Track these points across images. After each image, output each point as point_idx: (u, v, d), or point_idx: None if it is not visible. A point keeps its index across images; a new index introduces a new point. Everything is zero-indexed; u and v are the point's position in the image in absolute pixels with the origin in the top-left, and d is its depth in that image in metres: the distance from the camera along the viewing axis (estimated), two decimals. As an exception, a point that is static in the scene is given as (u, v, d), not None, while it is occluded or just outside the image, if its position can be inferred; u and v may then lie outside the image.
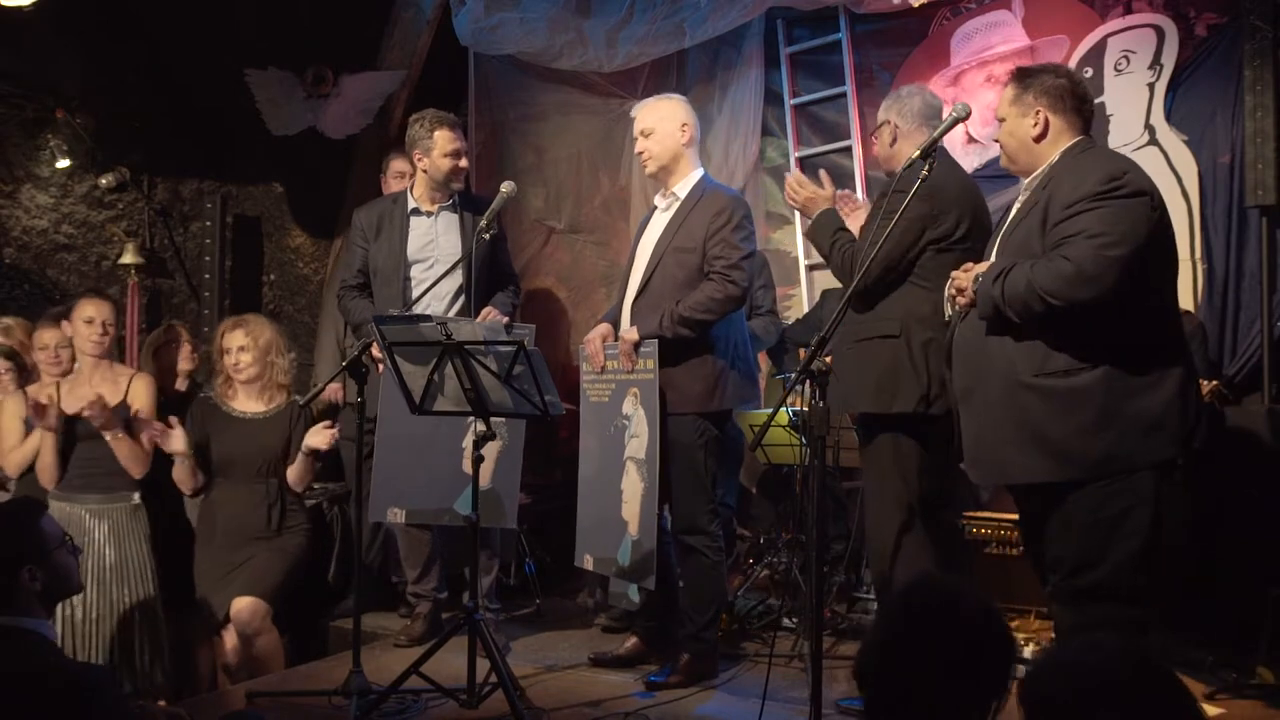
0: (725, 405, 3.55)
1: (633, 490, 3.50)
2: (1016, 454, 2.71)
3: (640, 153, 3.65)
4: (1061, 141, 2.79)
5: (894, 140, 3.34)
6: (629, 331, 3.50)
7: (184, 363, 4.63)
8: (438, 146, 4.01)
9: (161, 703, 3.38)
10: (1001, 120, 2.88)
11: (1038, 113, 2.79)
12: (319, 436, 3.86)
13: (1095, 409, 2.61)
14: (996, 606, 1.68)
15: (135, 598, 3.77)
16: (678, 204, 3.62)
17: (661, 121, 3.60)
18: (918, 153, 2.84)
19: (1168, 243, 2.70)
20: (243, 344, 3.96)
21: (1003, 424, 2.72)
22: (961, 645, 1.58)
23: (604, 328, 3.68)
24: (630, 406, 3.52)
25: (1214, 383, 3.87)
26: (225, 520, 3.91)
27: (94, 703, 2.07)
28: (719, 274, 3.45)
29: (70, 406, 3.76)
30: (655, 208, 3.75)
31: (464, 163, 4.06)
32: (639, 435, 3.49)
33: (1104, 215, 2.60)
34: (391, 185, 4.85)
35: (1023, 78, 2.85)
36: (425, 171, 4.08)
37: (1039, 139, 2.79)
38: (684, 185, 3.63)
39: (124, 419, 3.81)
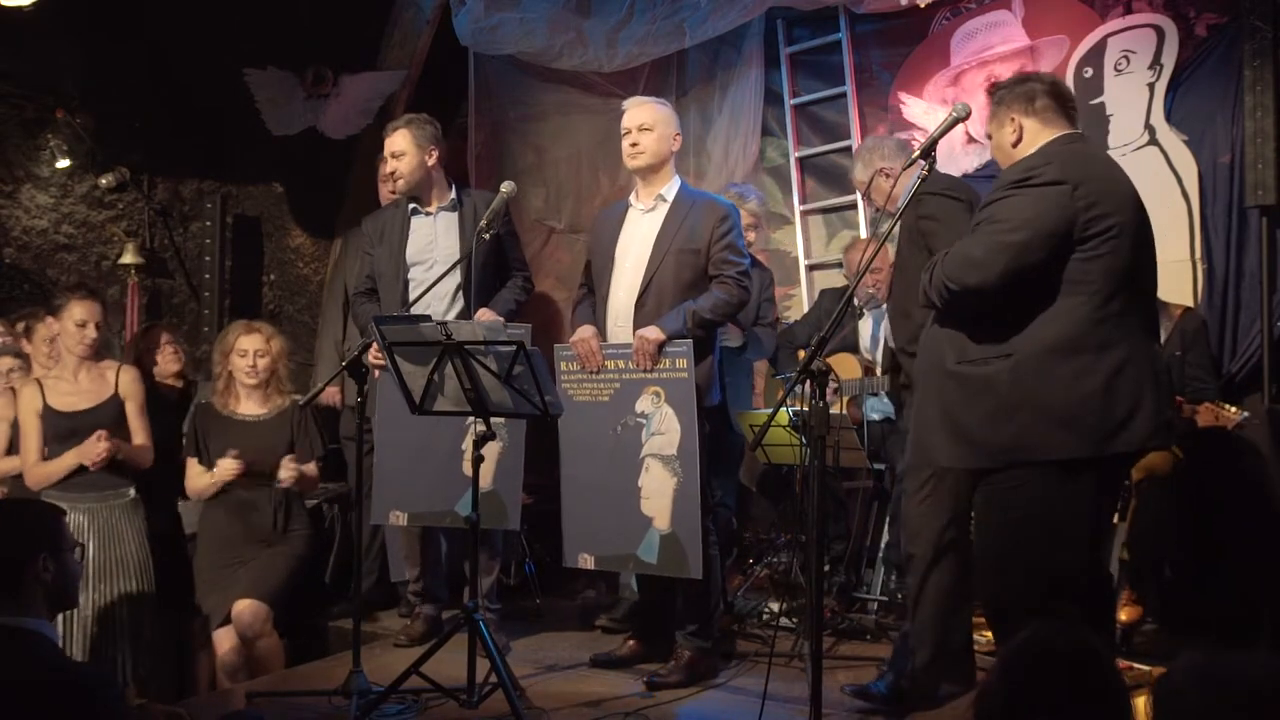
0: (715, 400, 3.62)
1: (658, 487, 3.51)
2: (938, 438, 2.75)
3: (634, 144, 3.64)
4: (1043, 137, 2.79)
5: (894, 181, 3.41)
6: (650, 331, 3.48)
7: (171, 364, 4.60)
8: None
9: (164, 705, 3.38)
10: (988, 136, 2.95)
11: (1012, 119, 2.83)
12: (283, 471, 3.88)
13: (999, 398, 2.61)
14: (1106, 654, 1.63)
15: (134, 594, 3.77)
16: (666, 206, 3.65)
17: (661, 123, 3.65)
18: (917, 153, 2.85)
19: (1103, 235, 2.59)
20: (260, 348, 3.97)
21: (931, 409, 2.77)
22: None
23: (592, 328, 3.68)
24: (649, 405, 3.54)
25: (1245, 414, 3.83)
26: (229, 522, 3.92)
27: (98, 704, 2.07)
28: (732, 279, 3.53)
29: (56, 402, 3.75)
30: (627, 206, 3.76)
31: (390, 165, 4.07)
32: (665, 433, 3.51)
33: (1010, 203, 2.63)
34: (382, 190, 4.84)
35: (995, 91, 2.90)
36: None
37: (1016, 144, 2.82)
38: (670, 189, 3.68)
39: (114, 419, 3.80)
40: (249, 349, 3.95)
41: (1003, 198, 2.65)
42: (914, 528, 3.23)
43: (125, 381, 3.87)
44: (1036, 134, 2.80)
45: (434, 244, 4.06)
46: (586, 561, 3.71)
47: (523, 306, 4.13)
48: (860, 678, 3.37)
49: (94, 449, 3.65)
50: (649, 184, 3.69)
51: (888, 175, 3.50)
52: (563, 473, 3.76)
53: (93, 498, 3.76)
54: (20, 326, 4.23)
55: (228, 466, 3.83)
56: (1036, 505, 2.60)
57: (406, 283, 4.04)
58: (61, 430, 3.72)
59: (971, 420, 2.66)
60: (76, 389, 3.79)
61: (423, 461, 3.85)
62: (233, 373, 3.98)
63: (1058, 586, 2.61)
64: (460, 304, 3.99)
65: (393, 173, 4.06)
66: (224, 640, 3.80)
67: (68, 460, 3.70)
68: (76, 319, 3.76)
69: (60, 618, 3.55)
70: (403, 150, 4.01)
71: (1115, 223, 2.61)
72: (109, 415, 3.78)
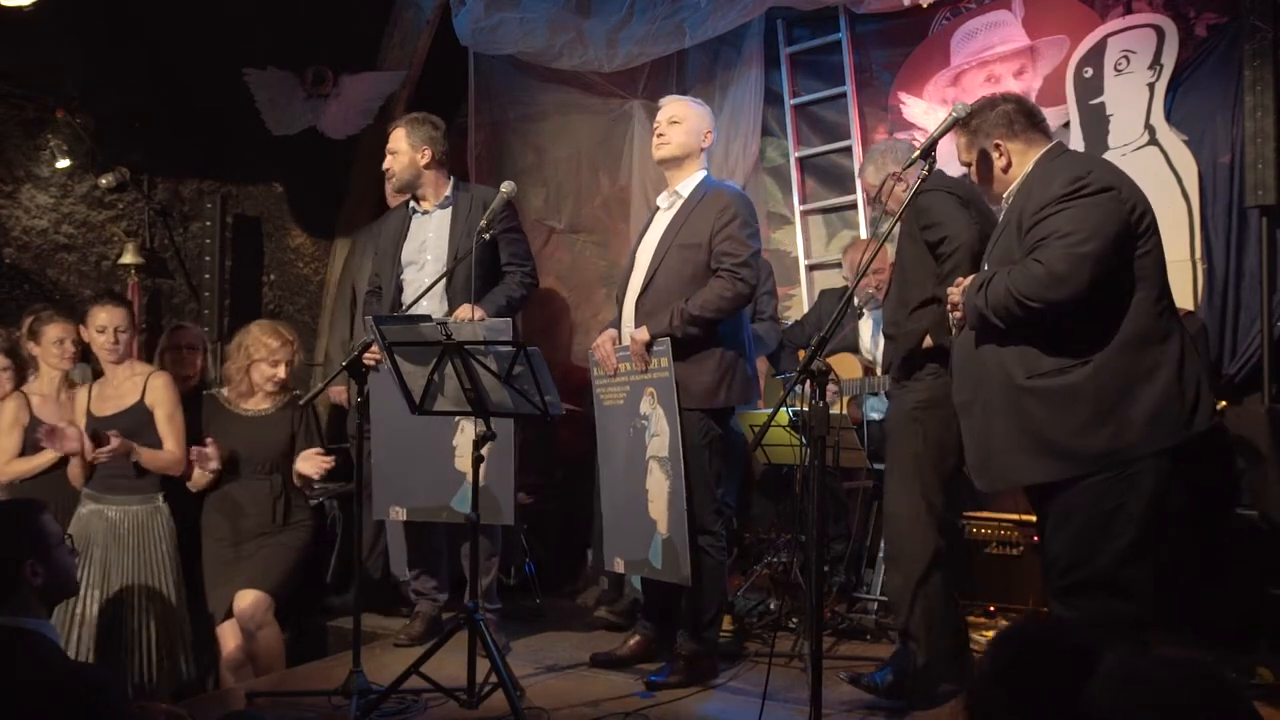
0: (730, 402, 3.55)
1: (658, 489, 3.50)
2: (1022, 457, 2.73)
3: (661, 135, 3.64)
4: (1030, 155, 2.84)
5: (907, 187, 3.38)
6: (639, 332, 3.48)
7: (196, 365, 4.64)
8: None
9: (164, 705, 3.37)
10: (968, 165, 2.96)
11: (997, 145, 2.86)
12: (310, 464, 3.90)
13: (1090, 405, 2.63)
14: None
15: (160, 596, 3.78)
16: (680, 202, 3.63)
17: (692, 118, 3.64)
18: (918, 153, 2.86)
19: (1147, 231, 2.70)
20: (288, 359, 4.00)
21: (1006, 430, 2.74)
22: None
23: (611, 332, 3.68)
24: (648, 406, 3.52)
25: (1221, 404, 3.84)
26: (230, 516, 3.93)
27: (98, 704, 2.07)
28: (728, 271, 3.46)
29: (99, 408, 3.79)
30: (657, 208, 3.76)
31: (386, 163, 4.11)
32: (659, 434, 3.49)
33: (1071, 215, 2.64)
34: (387, 187, 4.85)
35: (968, 123, 2.91)
36: None
37: (1006, 169, 2.87)
38: (688, 184, 3.64)
39: (139, 425, 3.80)
40: (281, 360, 3.99)
41: (1057, 211, 2.65)
42: (900, 528, 3.22)
43: (154, 388, 3.86)
44: (1024, 154, 2.85)
45: (426, 244, 4.08)
46: (619, 565, 3.72)
47: (518, 302, 4.08)
48: (860, 677, 3.37)
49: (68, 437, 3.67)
50: (671, 180, 3.68)
51: (901, 180, 3.47)
52: (599, 475, 3.78)
53: (122, 500, 3.78)
54: (27, 325, 4.23)
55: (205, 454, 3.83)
56: (1125, 498, 2.63)
57: (400, 284, 4.07)
58: (96, 436, 3.74)
59: (1061, 433, 2.66)
60: (114, 393, 3.83)
61: (416, 458, 3.87)
62: (252, 373, 3.99)
63: (1138, 574, 2.66)
64: (446, 306, 3.99)
65: (387, 169, 4.13)
66: (228, 636, 3.81)
67: (44, 455, 3.73)
68: (97, 325, 3.80)
69: (80, 618, 3.62)
70: (395, 149, 4.09)
71: (1151, 219, 2.71)
72: (128, 421, 3.77)
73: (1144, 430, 2.63)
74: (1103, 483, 2.65)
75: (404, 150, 4.06)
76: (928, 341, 3.22)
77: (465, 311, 3.84)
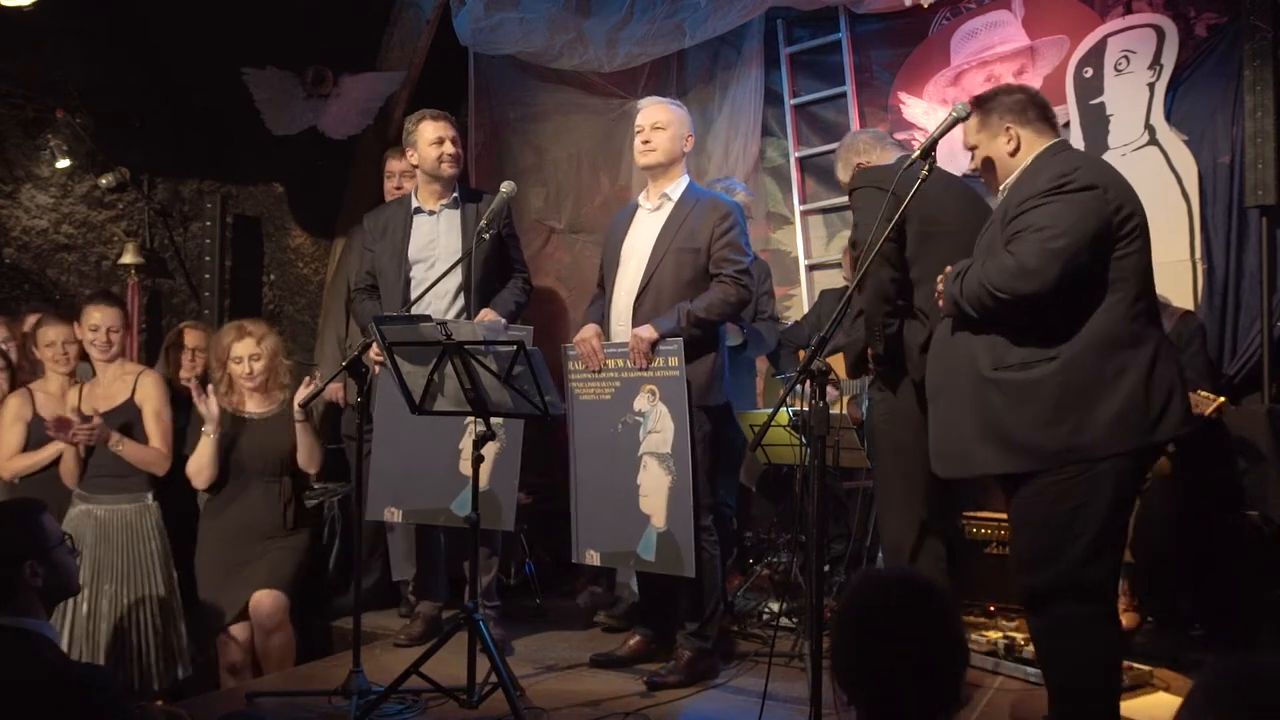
0: (720, 400, 3.61)
1: (655, 485, 3.52)
2: (978, 446, 2.73)
3: (646, 141, 3.67)
4: (1036, 146, 2.84)
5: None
6: (644, 330, 3.50)
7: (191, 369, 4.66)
8: (422, 138, 4.05)
9: (159, 703, 3.37)
10: (973, 148, 2.94)
11: (1008, 129, 2.85)
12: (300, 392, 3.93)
13: (1051, 401, 2.62)
14: (953, 608, 1.69)
15: (152, 596, 3.78)
16: (671, 205, 3.67)
17: (675, 123, 3.68)
18: (918, 153, 2.85)
19: (1133, 233, 2.68)
20: (254, 352, 3.99)
21: (966, 417, 2.75)
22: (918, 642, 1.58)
23: (594, 328, 3.70)
24: (646, 403, 3.55)
25: (1221, 399, 3.83)
26: (237, 520, 3.93)
27: (99, 704, 2.07)
28: (731, 278, 3.54)
29: (89, 407, 3.81)
30: (637, 205, 3.78)
31: (450, 149, 4.04)
32: (660, 431, 3.52)
33: (1050, 210, 2.64)
34: (387, 185, 4.86)
35: (983, 104, 2.90)
36: (417, 167, 4.12)
37: (1014, 153, 2.86)
38: (676, 188, 3.69)
39: (127, 423, 3.81)
40: (243, 355, 3.98)
41: (1039, 205, 2.66)
42: (893, 539, 3.22)
43: (143, 385, 3.90)
44: (1032, 143, 2.84)
45: (435, 242, 4.07)
46: (592, 558, 3.72)
47: (523, 308, 4.13)
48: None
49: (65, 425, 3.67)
50: (657, 183, 3.71)
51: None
52: (572, 470, 3.77)
53: (113, 498, 3.80)
54: (30, 327, 4.24)
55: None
56: (1085, 499, 2.62)
57: (408, 281, 4.05)
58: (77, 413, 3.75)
59: (1020, 426, 2.65)
60: (104, 392, 3.86)
61: (419, 459, 3.86)
62: (232, 376, 4.00)
63: (1101, 574, 2.65)
64: (461, 303, 3.99)
65: (455, 156, 4.07)
66: (233, 636, 3.81)
67: (47, 449, 3.75)
68: (90, 324, 3.84)
69: (75, 618, 3.61)
70: (457, 139, 4.11)
71: (1138, 222, 2.69)
72: (118, 419, 3.80)
73: (1104, 432, 2.60)
74: (1062, 482, 2.63)
75: (460, 143, 4.13)
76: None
77: (490, 316, 3.88)
